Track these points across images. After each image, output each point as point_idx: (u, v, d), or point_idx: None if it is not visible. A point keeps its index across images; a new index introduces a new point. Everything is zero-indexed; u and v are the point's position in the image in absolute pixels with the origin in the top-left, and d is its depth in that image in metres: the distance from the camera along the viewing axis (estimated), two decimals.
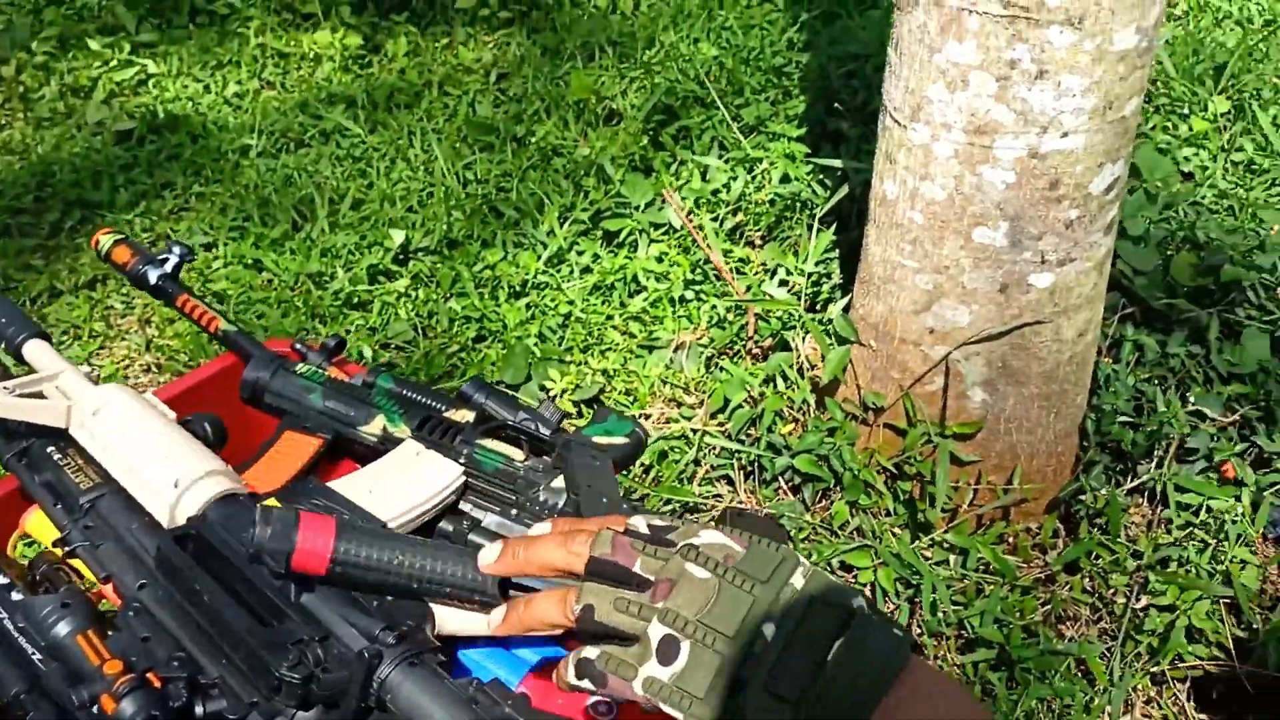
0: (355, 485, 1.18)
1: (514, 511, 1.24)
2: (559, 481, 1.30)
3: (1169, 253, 2.27)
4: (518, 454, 1.32)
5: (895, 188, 1.80)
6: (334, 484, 1.16)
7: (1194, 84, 2.95)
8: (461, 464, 1.30)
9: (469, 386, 1.43)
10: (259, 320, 2.42)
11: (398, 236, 2.58)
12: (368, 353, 2.34)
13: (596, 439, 1.42)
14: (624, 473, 2.07)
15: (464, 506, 1.25)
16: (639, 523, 0.69)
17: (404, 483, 1.22)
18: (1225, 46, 3.17)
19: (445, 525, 1.21)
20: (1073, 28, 1.51)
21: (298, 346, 1.50)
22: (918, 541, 1.99)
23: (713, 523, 0.68)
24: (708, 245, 2.39)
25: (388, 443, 1.32)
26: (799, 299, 2.33)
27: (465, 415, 1.41)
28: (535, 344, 2.32)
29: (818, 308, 2.34)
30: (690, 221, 2.50)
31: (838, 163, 2.45)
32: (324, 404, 1.36)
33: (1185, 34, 3.27)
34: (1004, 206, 1.70)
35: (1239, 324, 2.11)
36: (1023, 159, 1.64)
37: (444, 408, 1.40)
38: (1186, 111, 2.83)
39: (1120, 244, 2.17)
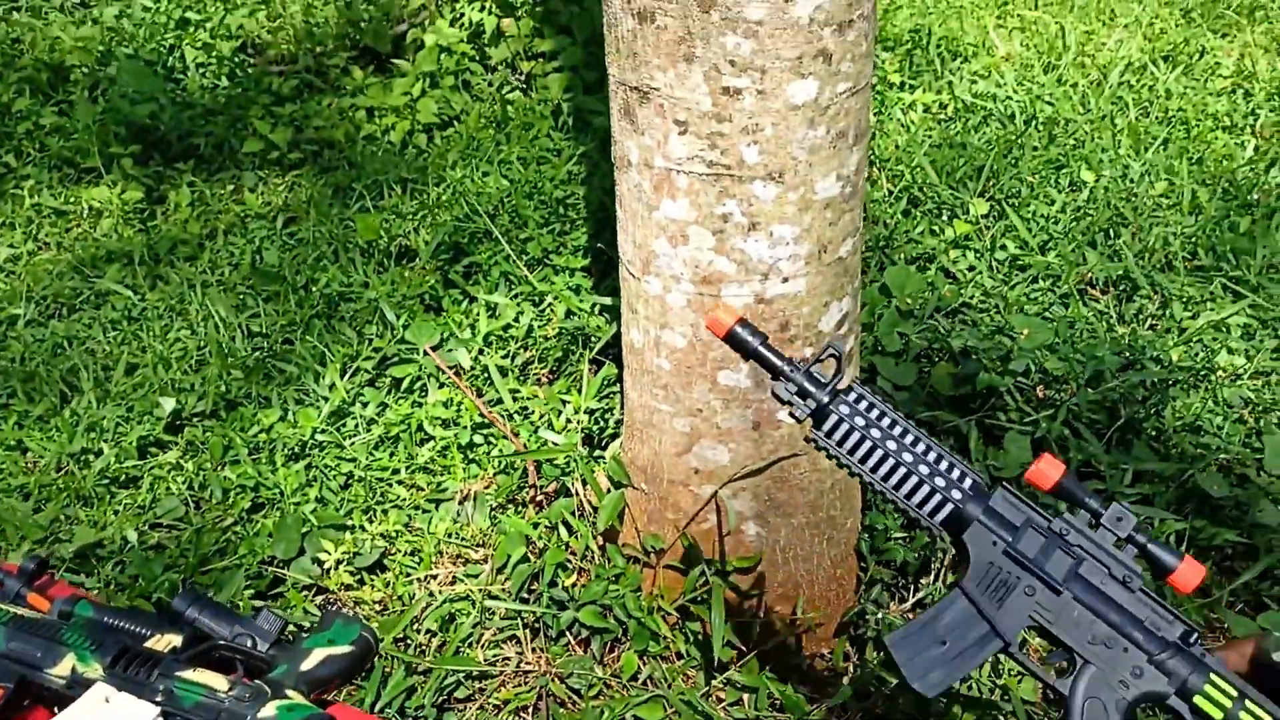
0: None
1: None
2: (268, 710, 1.23)
3: (934, 362, 2.34)
4: (222, 683, 1.24)
5: (641, 336, 1.81)
6: None
7: (957, 187, 3.09)
8: (159, 703, 1.22)
9: (180, 600, 1.34)
10: (14, 513, 2.27)
11: (168, 404, 2.48)
12: (132, 536, 2.21)
13: (318, 650, 1.35)
14: (405, 646, 2.00)
15: None
16: None
17: None
18: (986, 147, 3.34)
19: None
20: (775, 181, 1.55)
21: None
22: (714, 681, 1.96)
23: None
24: (476, 398, 2.36)
25: (77, 685, 1.23)
26: (583, 438, 2.31)
27: (171, 640, 1.32)
28: (314, 510, 2.23)
29: (603, 444, 2.33)
30: (459, 376, 2.48)
31: (608, 300, 2.46)
32: (6, 646, 1.26)
33: (949, 136, 3.44)
34: None
35: (1000, 429, 2.18)
36: (751, 305, 1.67)
37: (149, 633, 1.31)
38: (951, 215, 2.96)
39: (880, 360, 2.23)
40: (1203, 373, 2.48)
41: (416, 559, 2.16)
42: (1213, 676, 1.08)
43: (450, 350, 2.58)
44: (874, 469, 1.16)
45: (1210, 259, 2.93)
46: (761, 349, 1.21)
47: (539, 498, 2.23)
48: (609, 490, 2.04)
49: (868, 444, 1.16)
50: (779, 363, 1.20)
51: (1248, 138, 3.71)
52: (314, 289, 2.88)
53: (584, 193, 3.04)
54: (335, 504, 2.27)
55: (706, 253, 1.63)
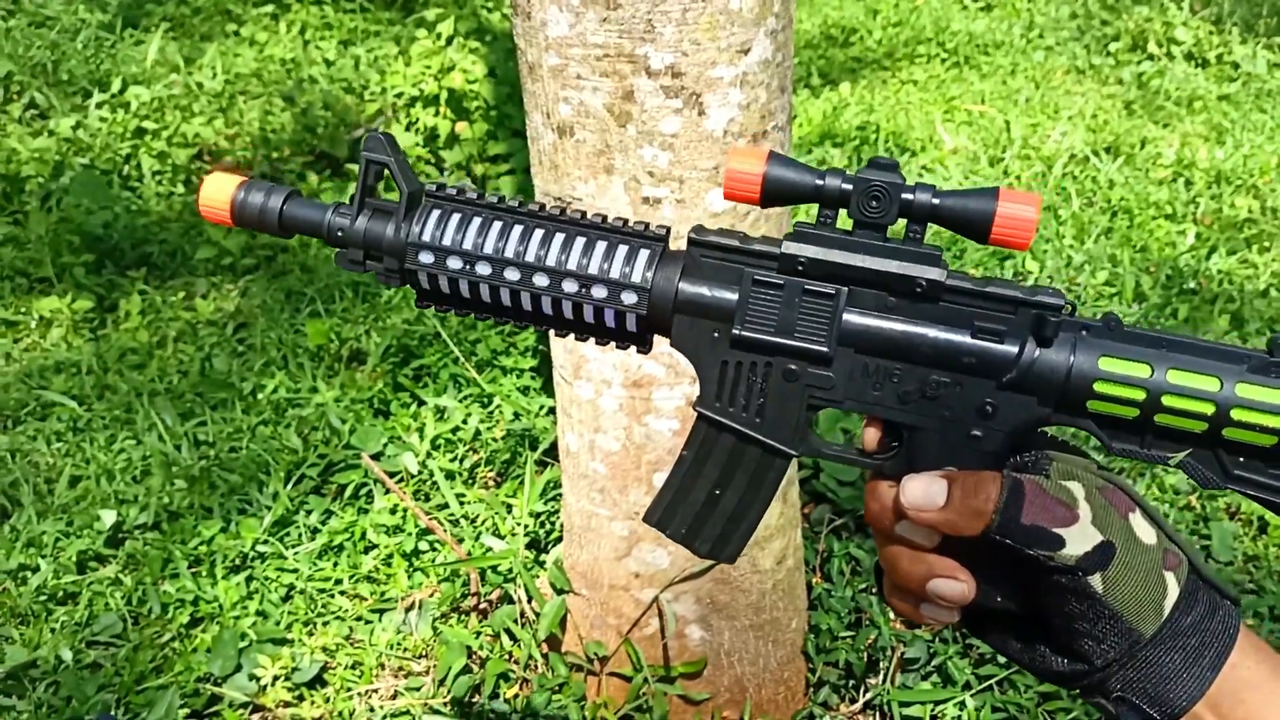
0: None
1: None
2: None
3: None
4: None
5: (576, 440, 1.81)
6: None
7: None
8: None
9: None
10: None
11: (108, 517, 2.43)
12: (67, 655, 2.15)
13: None
14: None
15: None
16: None
17: None
18: (932, 240, 3.39)
19: None
20: None
21: None
22: None
23: None
24: (418, 506, 2.34)
25: None
26: (528, 542, 2.29)
27: None
28: (254, 624, 2.19)
29: (548, 548, 2.30)
30: (406, 481, 2.46)
31: (552, 402, 2.46)
32: None
33: None
34: (675, 452, 1.71)
35: None
36: (682, 407, 1.67)
37: None
38: None
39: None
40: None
41: (358, 672, 2.11)
42: (1104, 352, 0.71)
43: (396, 455, 2.57)
44: (507, 312, 0.80)
45: None
46: (290, 206, 0.81)
47: (482, 605, 2.19)
48: (551, 597, 2.01)
49: (484, 288, 0.78)
50: (320, 213, 0.81)
51: (1189, 225, 3.80)
52: (261, 395, 2.87)
53: None
54: (276, 617, 2.22)
55: (635, 357, 1.63)
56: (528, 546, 2.29)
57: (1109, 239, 3.67)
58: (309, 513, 2.47)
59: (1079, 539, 0.68)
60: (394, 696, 2.06)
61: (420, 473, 2.55)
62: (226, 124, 4.31)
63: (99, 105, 4.41)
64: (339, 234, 0.80)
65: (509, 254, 0.77)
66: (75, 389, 3.03)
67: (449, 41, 4.05)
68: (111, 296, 3.51)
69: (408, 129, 4.05)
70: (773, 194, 0.73)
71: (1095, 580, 0.67)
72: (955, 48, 5.54)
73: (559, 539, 2.28)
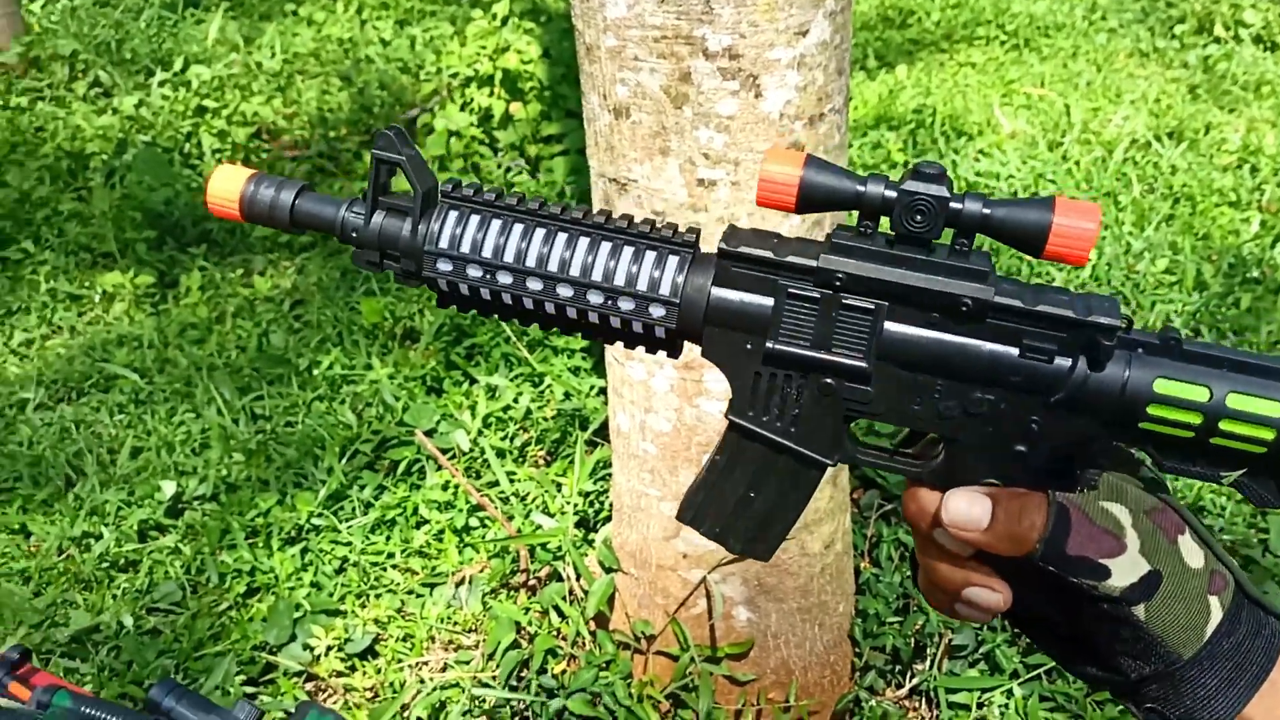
0: None
1: None
2: None
3: None
4: None
5: (627, 420, 1.82)
6: None
7: None
8: None
9: (158, 691, 1.34)
10: (13, 597, 2.28)
11: (168, 488, 2.50)
12: (128, 621, 2.21)
13: None
14: None
15: None
16: None
17: None
18: None
19: None
20: None
21: None
22: None
23: None
24: (470, 483, 2.37)
25: None
26: (577, 520, 2.31)
27: None
28: (308, 595, 2.23)
29: (597, 527, 2.32)
30: (458, 459, 2.49)
31: (605, 382, 2.47)
32: None
33: None
34: None
35: None
36: None
37: None
38: None
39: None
40: None
41: (408, 645, 2.14)
42: (1161, 374, 0.66)
43: (448, 433, 2.60)
44: (532, 317, 0.75)
45: (1213, 336, 2.92)
46: (301, 202, 0.75)
47: (531, 582, 2.22)
48: (599, 575, 2.03)
49: (506, 297, 0.74)
50: (333, 209, 0.75)
51: (1253, 213, 3.72)
52: (317, 371, 2.92)
53: None
54: (329, 588, 2.27)
55: None
56: (577, 525, 2.31)
57: (1170, 226, 3.60)
58: (362, 487, 2.51)
59: (1126, 570, 0.66)
60: (444, 669, 2.10)
61: (471, 450, 2.58)
62: (285, 103, 4.37)
63: (161, 84, 4.49)
64: (353, 234, 0.75)
65: (530, 263, 0.72)
66: (137, 362, 3.10)
67: (504, 22, 4.07)
68: (172, 272, 3.58)
69: (462, 109, 4.08)
70: (810, 200, 0.69)
71: (1139, 609, 0.66)
72: (1015, 29, 5.45)
73: (608, 518, 2.30)
